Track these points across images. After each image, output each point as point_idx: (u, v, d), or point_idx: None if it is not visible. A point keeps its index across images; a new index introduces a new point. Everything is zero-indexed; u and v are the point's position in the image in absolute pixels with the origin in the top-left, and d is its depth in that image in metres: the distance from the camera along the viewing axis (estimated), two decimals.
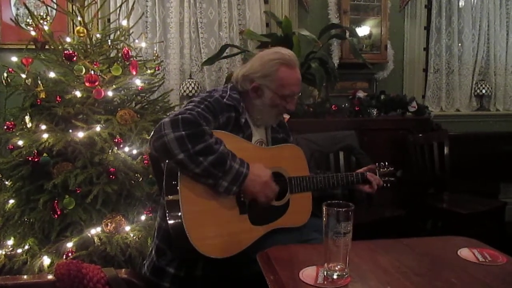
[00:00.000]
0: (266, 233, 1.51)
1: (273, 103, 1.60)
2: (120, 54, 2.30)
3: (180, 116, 1.36)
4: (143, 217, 2.14)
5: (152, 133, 1.40)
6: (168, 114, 2.40)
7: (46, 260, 1.93)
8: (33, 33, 2.26)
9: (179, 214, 1.33)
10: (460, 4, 3.81)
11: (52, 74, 2.18)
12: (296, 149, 1.74)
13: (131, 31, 2.57)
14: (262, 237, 1.49)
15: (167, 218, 1.37)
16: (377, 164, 1.88)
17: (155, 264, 1.52)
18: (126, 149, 2.12)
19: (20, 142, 2.07)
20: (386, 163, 1.89)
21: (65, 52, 2.15)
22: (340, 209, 1.04)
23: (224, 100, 1.53)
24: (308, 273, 1.09)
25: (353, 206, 1.05)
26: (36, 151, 2.02)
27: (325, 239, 1.06)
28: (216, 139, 1.39)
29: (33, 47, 2.30)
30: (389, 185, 1.87)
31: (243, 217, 1.47)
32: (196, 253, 1.32)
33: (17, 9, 3.09)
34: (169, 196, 1.38)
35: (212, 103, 1.48)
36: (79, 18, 2.26)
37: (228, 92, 1.58)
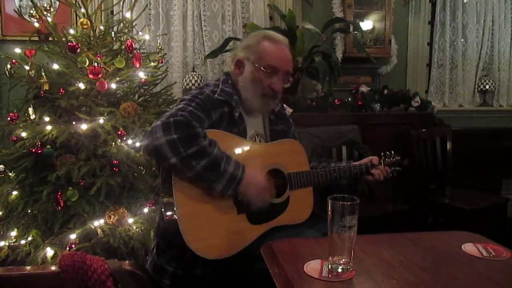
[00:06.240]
0: (266, 231, 1.49)
1: (254, 78, 1.54)
2: (123, 47, 2.30)
3: (171, 119, 1.33)
4: (146, 210, 2.15)
5: (145, 136, 1.38)
6: (170, 106, 2.40)
7: (50, 252, 1.94)
8: (36, 24, 2.26)
9: (175, 216, 1.32)
10: None
11: (55, 66, 2.18)
12: (295, 143, 1.70)
13: (134, 24, 2.56)
14: (262, 235, 1.47)
15: (164, 220, 1.37)
16: (382, 154, 1.80)
17: (156, 262, 1.52)
18: (129, 141, 2.12)
19: (24, 134, 2.07)
20: (392, 152, 1.82)
21: (69, 44, 2.14)
22: (345, 203, 1.03)
23: (216, 95, 1.50)
24: (312, 267, 1.09)
25: (358, 200, 1.05)
26: (39, 143, 2.02)
27: (330, 233, 1.06)
28: (210, 141, 1.36)
29: (37, 38, 2.30)
30: (395, 174, 1.79)
31: (241, 217, 1.44)
32: (194, 254, 1.32)
33: (20, 0, 3.08)
34: (164, 198, 1.36)
35: (203, 100, 1.46)
36: (82, 10, 2.25)
37: (220, 86, 1.55)
